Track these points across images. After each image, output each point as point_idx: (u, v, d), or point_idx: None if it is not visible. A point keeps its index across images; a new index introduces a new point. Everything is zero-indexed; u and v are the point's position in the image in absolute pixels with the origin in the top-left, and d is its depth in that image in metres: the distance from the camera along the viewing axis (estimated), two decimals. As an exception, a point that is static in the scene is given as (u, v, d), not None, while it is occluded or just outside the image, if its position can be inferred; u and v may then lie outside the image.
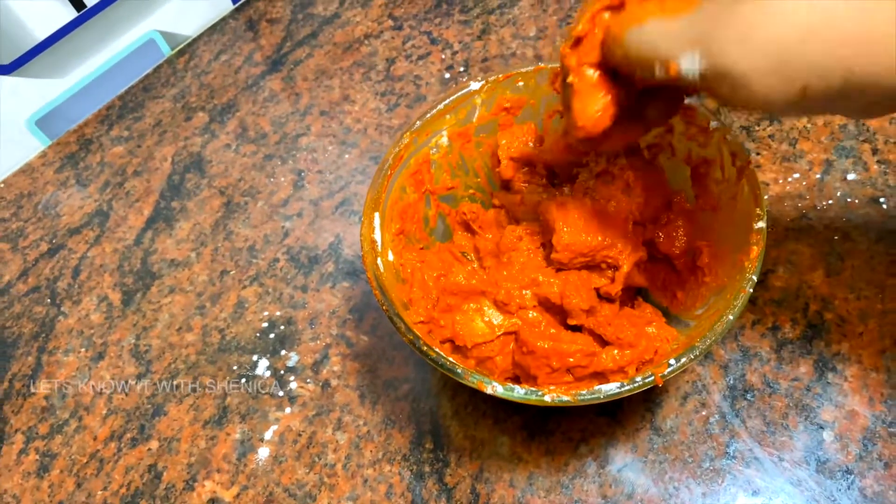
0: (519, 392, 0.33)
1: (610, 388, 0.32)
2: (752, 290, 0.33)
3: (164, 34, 0.64)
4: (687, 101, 0.35)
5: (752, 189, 0.36)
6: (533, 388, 0.33)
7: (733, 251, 0.36)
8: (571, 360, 0.36)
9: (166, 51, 0.64)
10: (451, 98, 0.42)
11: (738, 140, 0.37)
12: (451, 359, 0.35)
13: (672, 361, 0.32)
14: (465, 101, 0.42)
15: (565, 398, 0.32)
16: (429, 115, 0.41)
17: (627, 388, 0.32)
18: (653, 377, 0.32)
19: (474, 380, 0.34)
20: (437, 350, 0.35)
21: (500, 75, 0.41)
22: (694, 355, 0.32)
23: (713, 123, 0.37)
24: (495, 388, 0.33)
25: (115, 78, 0.62)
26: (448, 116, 0.42)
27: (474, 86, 0.42)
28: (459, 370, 0.34)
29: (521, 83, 0.42)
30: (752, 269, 0.33)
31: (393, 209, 0.41)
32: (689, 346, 0.32)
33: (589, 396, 0.32)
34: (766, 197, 0.46)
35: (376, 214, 0.39)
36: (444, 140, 0.43)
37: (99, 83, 0.62)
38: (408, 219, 0.43)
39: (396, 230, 0.41)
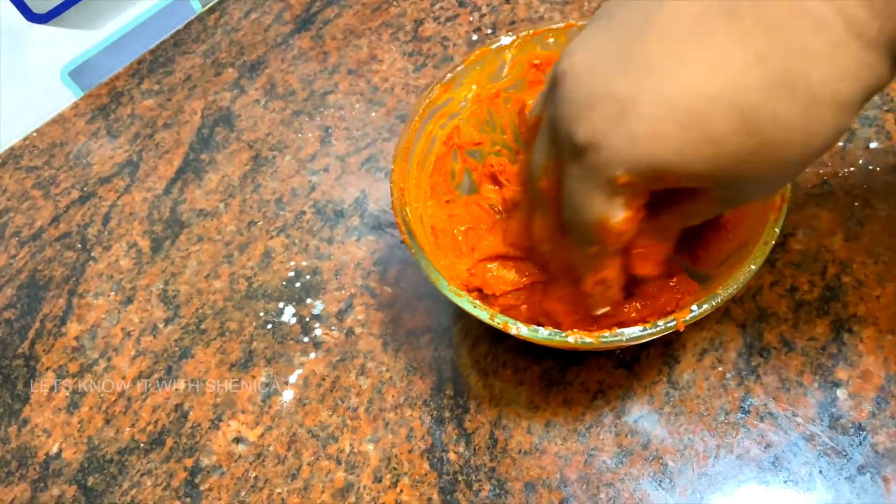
0: (543, 333, 0.34)
1: (632, 332, 0.33)
2: (774, 242, 0.34)
3: (196, -9, 0.65)
4: None
5: None
6: (556, 330, 0.34)
7: (757, 207, 0.36)
8: None
9: (197, 7, 0.65)
10: (482, 52, 0.42)
11: None
12: (476, 301, 0.36)
13: (694, 308, 0.33)
14: (496, 56, 0.43)
15: (588, 340, 0.33)
16: (459, 69, 0.42)
17: (650, 331, 0.33)
18: (674, 322, 0.33)
19: (500, 321, 0.35)
20: (462, 293, 0.36)
21: (531, 31, 0.42)
22: (716, 302, 0.33)
23: None
24: (520, 329, 0.34)
25: (147, 33, 0.63)
26: (478, 71, 0.43)
27: (505, 41, 0.42)
28: (486, 312, 0.35)
29: (551, 39, 0.42)
30: (775, 221, 0.34)
31: (421, 159, 0.42)
32: (711, 294, 0.33)
33: (612, 338, 0.33)
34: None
35: (408, 162, 0.40)
36: (473, 94, 0.44)
37: (131, 37, 0.63)
38: (436, 171, 0.43)
39: (425, 180, 0.42)
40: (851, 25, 0.22)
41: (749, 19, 0.23)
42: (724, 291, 0.33)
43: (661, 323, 0.33)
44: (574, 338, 0.34)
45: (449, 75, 0.42)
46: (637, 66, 0.24)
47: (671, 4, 0.24)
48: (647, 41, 0.24)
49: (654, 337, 0.34)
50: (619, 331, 0.33)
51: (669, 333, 0.40)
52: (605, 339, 0.33)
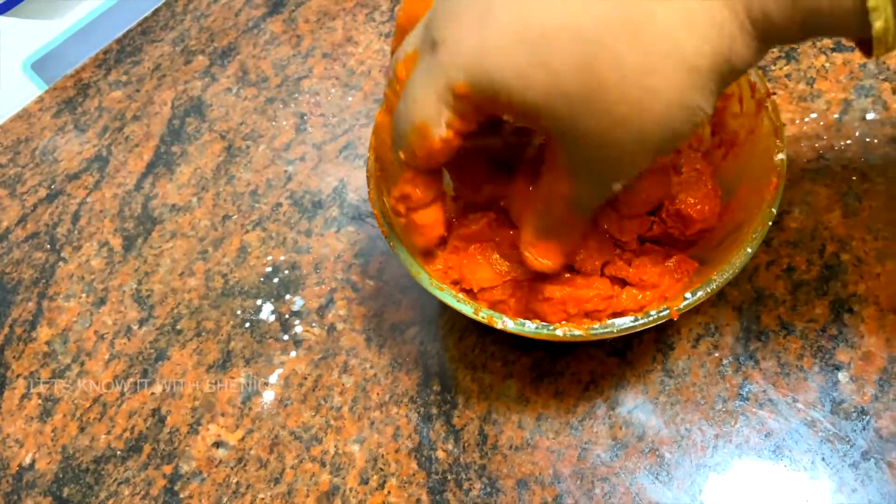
0: (530, 327, 0.32)
1: (624, 322, 0.31)
2: (770, 223, 0.32)
3: (162, -25, 0.62)
4: None
5: (772, 121, 0.34)
6: (544, 323, 0.32)
7: (752, 187, 0.35)
8: (588, 305, 0.36)
9: (164, -7, 0.63)
10: None
11: (757, 71, 0.35)
12: (459, 295, 0.34)
13: (688, 295, 0.31)
14: None
15: (577, 332, 0.31)
16: None
17: (642, 321, 0.31)
18: (668, 311, 0.31)
19: (484, 315, 0.33)
20: (445, 287, 0.34)
21: None
22: (711, 289, 0.31)
23: None
24: (506, 324, 0.32)
25: (113, 20, 0.61)
26: None
27: None
28: (470, 307, 0.33)
29: None
30: (771, 201, 0.32)
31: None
32: (706, 280, 0.32)
33: (602, 331, 0.31)
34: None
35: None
36: None
37: (96, 26, 0.60)
38: None
39: None
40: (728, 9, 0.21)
41: None
42: (720, 277, 0.31)
43: (653, 312, 0.32)
44: (563, 331, 0.32)
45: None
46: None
47: None
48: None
49: (647, 326, 0.32)
50: (609, 322, 0.32)
51: (663, 321, 0.39)
52: (595, 331, 0.32)
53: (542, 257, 0.32)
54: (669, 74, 0.23)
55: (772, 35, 0.23)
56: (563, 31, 0.23)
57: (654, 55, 0.23)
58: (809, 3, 0.22)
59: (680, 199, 0.36)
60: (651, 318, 0.31)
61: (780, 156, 0.33)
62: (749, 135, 0.36)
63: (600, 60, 0.23)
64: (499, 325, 0.33)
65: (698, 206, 0.35)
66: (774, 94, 0.36)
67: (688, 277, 0.36)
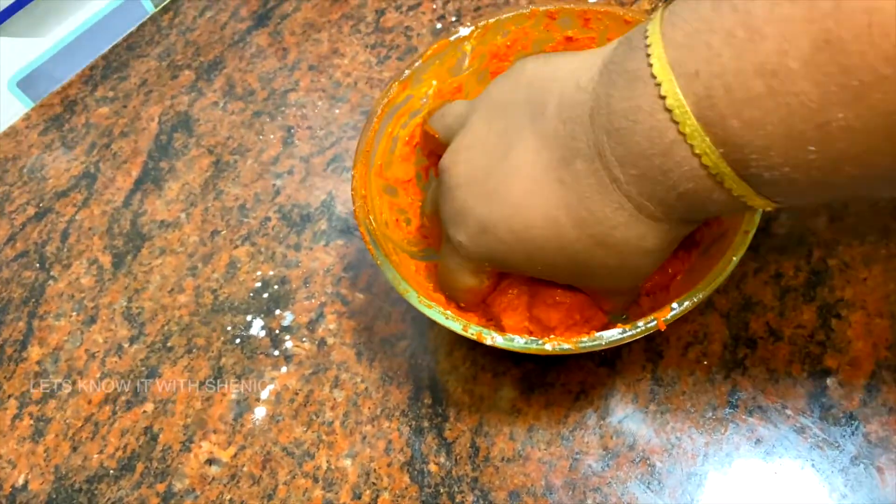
0: (519, 342, 0.32)
1: (612, 335, 0.32)
2: (754, 231, 0.32)
3: (147, -10, 0.62)
4: None
5: None
6: (533, 338, 0.32)
7: None
8: (589, 310, 0.36)
9: (150, 8, 0.63)
10: (440, 46, 0.40)
11: None
12: (448, 312, 0.34)
13: (675, 305, 0.31)
14: (455, 48, 0.41)
15: (566, 346, 0.32)
16: (417, 65, 0.40)
17: (629, 333, 0.31)
18: (655, 322, 0.31)
19: (473, 331, 0.33)
20: (432, 304, 0.34)
21: (491, 20, 0.40)
22: (697, 298, 0.31)
23: None
24: (495, 339, 0.33)
25: (98, 37, 0.61)
26: (437, 65, 0.41)
27: (463, 32, 0.40)
28: (458, 324, 0.33)
29: (514, 27, 0.40)
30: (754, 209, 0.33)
31: (384, 162, 0.40)
32: (692, 289, 0.32)
33: (590, 343, 0.32)
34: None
35: (368, 168, 0.38)
36: (434, 90, 0.42)
37: (81, 42, 0.60)
38: (400, 172, 0.41)
39: (388, 184, 0.40)
40: (641, 208, 0.28)
41: (571, 190, 0.29)
42: (706, 287, 0.31)
43: (641, 324, 0.32)
44: (551, 345, 0.32)
45: (407, 72, 0.40)
46: (496, 195, 0.32)
47: (524, 148, 0.31)
48: (507, 178, 0.31)
49: (635, 338, 0.32)
50: (598, 335, 0.32)
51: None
52: (583, 345, 0.32)
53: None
54: (640, 259, 0.31)
55: (678, 217, 0.29)
56: (548, 242, 0.31)
57: (625, 254, 0.30)
58: (690, 198, 0.27)
59: None
60: (639, 330, 0.32)
61: None
62: None
63: (582, 261, 0.31)
64: (488, 342, 0.33)
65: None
66: None
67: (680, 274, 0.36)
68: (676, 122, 0.24)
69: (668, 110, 0.24)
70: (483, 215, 0.32)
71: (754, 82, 0.22)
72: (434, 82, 0.41)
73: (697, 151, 0.24)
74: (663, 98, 0.24)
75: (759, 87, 0.22)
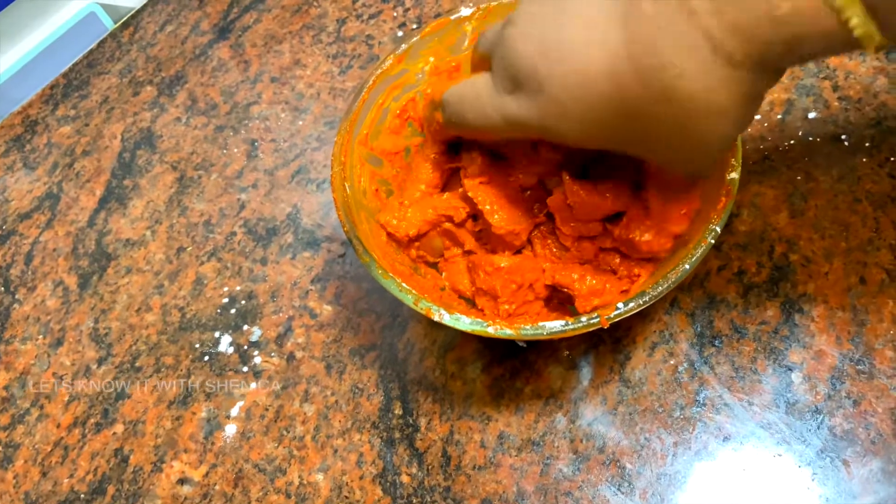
0: (465, 322, 0.33)
1: (554, 326, 0.32)
2: (713, 241, 0.32)
3: (105, 6, 0.62)
4: None
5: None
6: (478, 319, 0.33)
7: (703, 202, 0.35)
8: (531, 275, 0.36)
9: (109, 24, 0.62)
10: (440, 23, 0.40)
11: None
12: (404, 284, 0.34)
13: (620, 305, 0.32)
14: (455, 27, 0.41)
15: (508, 331, 0.32)
16: (414, 40, 0.40)
17: (571, 326, 0.32)
18: (598, 318, 0.31)
19: (423, 306, 0.33)
20: (390, 275, 0.34)
21: (493, 3, 0.40)
22: (643, 301, 0.31)
23: None
24: (442, 316, 0.33)
25: (57, 55, 0.60)
26: (436, 42, 0.41)
27: (465, 12, 0.40)
28: (410, 297, 0.34)
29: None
30: (716, 220, 0.33)
31: (369, 132, 0.40)
32: (641, 291, 0.32)
33: (532, 332, 0.32)
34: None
35: (352, 135, 0.38)
36: (431, 66, 0.42)
37: (40, 61, 0.59)
38: (388, 144, 0.42)
39: (372, 154, 0.41)
40: (718, 49, 0.24)
41: (637, 32, 0.26)
42: (654, 291, 0.32)
43: (584, 318, 0.32)
44: (494, 328, 0.32)
45: (404, 46, 0.40)
46: (554, 49, 0.28)
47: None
48: (564, 26, 0.28)
49: (578, 333, 0.32)
50: (540, 324, 0.32)
51: (618, 329, 0.39)
52: (525, 332, 0.32)
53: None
54: (712, 124, 0.27)
55: (763, 63, 0.25)
56: (609, 102, 0.27)
57: (692, 114, 0.26)
58: (786, 28, 0.23)
59: (634, 227, 0.35)
60: (581, 325, 0.32)
61: (733, 175, 0.34)
62: None
63: (644, 120, 0.27)
64: (436, 317, 0.33)
65: (649, 241, 0.35)
66: None
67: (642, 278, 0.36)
68: None
69: None
70: (539, 67, 0.28)
71: None
72: (431, 59, 0.41)
73: None
74: None
75: None
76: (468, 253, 0.39)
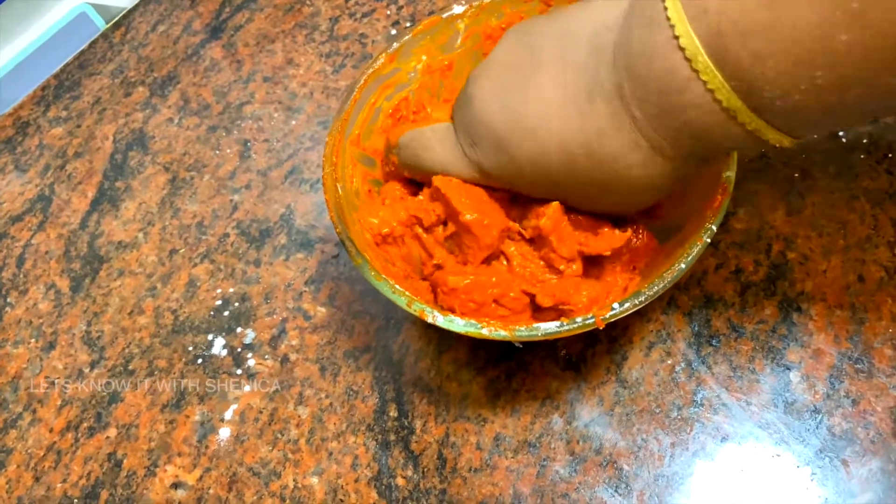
0: (459, 323, 0.32)
1: (549, 327, 0.31)
2: (709, 240, 0.32)
3: (96, 6, 0.61)
4: None
5: None
6: (472, 321, 0.32)
7: (698, 199, 0.35)
8: (495, 290, 0.36)
9: (100, 24, 0.62)
10: (431, 21, 0.40)
11: None
12: (397, 286, 0.34)
13: (616, 305, 0.31)
14: (448, 25, 0.40)
15: (503, 333, 0.31)
16: (406, 38, 0.40)
17: (566, 327, 0.31)
18: (593, 319, 0.31)
19: (416, 308, 0.33)
20: (383, 276, 0.34)
21: (486, 0, 0.40)
22: (639, 301, 0.31)
23: None
24: (436, 318, 0.33)
25: (48, 56, 0.60)
26: (427, 41, 0.41)
27: (457, 10, 0.40)
28: (404, 298, 0.33)
29: (510, 10, 0.40)
30: (712, 218, 0.32)
31: (361, 132, 0.40)
32: (637, 291, 0.31)
33: (526, 333, 0.31)
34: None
35: (344, 135, 0.38)
36: (423, 65, 0.41)
37: (31, 62, 0.59)
38: (379, 143, 0.41)
39: (364, 154, 0.40)
40: (655, 148, 0.29)
41: (590, 124, 0.30)
42: (650, 290, 0.31)
43: (579, 319, 0.32)
44: (488, 329, 0.32)
45: (395, 44, 0.39)
46: (515, 114, 0.32)
47: (550, 74, 0.31)
48: (528, 100, 0.32)
49: (572, 333, 0.32)
50: (535, 326, 0.32)
51: (615, 328, 0.39)
52: (520, 333, 0.32)
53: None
54: (638, 194, 0.32)
55: (691, 156, 0.30)
56: (560, 168, 0.32)
57: (608, 174, 0.31)
58: (699, 134, 0.27)
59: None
60: (576, 325, 0.31)
61: (729, 173, 0.33)
62: None
63: (586, 192, 0.33)
64: (429, 319, 0.33)
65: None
66: None
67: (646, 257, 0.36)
68: (689, 60, 0.25)
69: (682, 49, 0.25)
70: (500, 132, 0.33)
71: (758, 14, 0.23)
72: (423, 57, 0.41)
73: (710, 87, 0.25)
74: (677, 38, 0.25)
75: (763, 18, 0.23)
76: (437, 268, 0.38)
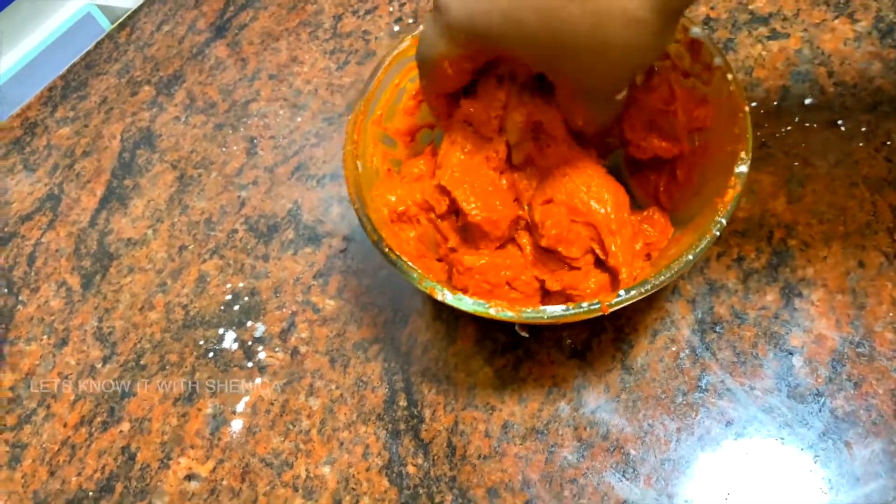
0: (467, 302, 0.33)
1: (554, 310, 0.32)
2: (718, 234, 0.33)
3: (102, 7, 0.62)
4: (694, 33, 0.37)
5: (742, 132, 0.35)
6: (480, 300, 0.33)
7: (711, 192, 0.35)
8: (508, 272, 0.37)
9: (106, 25, 0.62)
10: None
11: (738, 79, 0.36)
12: (409, 262, 0.34)
13: (622, 293, 0.32)
14: None
15: (510, 313, 0.32)
16: None
17: (572, 311, 0.32)
18: (599, 304, 0.32)
19: (427, 285, 0.34)
20: (397, 253, 0.34)
21: None
22: (645, 289, 0.32)
23: (717, 60, 0.36)
24: (445, 296, 0.33)
25: (55, 57, 0.60)
26: None
27: None
28: (415, 275, 0.34)
29: None
30: (722, 212, 0.33)
31: (383, 112, 0.40)
32: (643, 280, 0.32)
33: (532, 315, 0.32)
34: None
35: (367, 115, 0.39)
36: None
37: (38, 63, 0.60)
38: (402, 124, 0.42)
39: (386, 134, 0.41)
40: None
41: None
42: (656, 280, 0.32)
43: (585, 304, 0.32)
44: (496, 309, 0.33)
45: (422, 27, 0.40)
46: None
47: None
48: None
49: (578, 318, 0.33)
50: (541, 308, 0.33)
51: (619, 317, 0.39)
52: (526, 315, 0.32)
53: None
54: (618, 30, 0.29)
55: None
56: (525, 6, 0.30)
57: (603, 15, 0.29)
58: None
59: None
60: (582, 310, 0.32)
61: (742, 168, 0.34)
62: (719, 140, 0.36)
63: (558, 22, 0.30)
64: (439, 297, 0.33)
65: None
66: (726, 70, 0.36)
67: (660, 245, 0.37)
68: None
69: None
70: None
71: None
72: None
73: None
74: None
75: None
76: (452, 251, 0.39)
